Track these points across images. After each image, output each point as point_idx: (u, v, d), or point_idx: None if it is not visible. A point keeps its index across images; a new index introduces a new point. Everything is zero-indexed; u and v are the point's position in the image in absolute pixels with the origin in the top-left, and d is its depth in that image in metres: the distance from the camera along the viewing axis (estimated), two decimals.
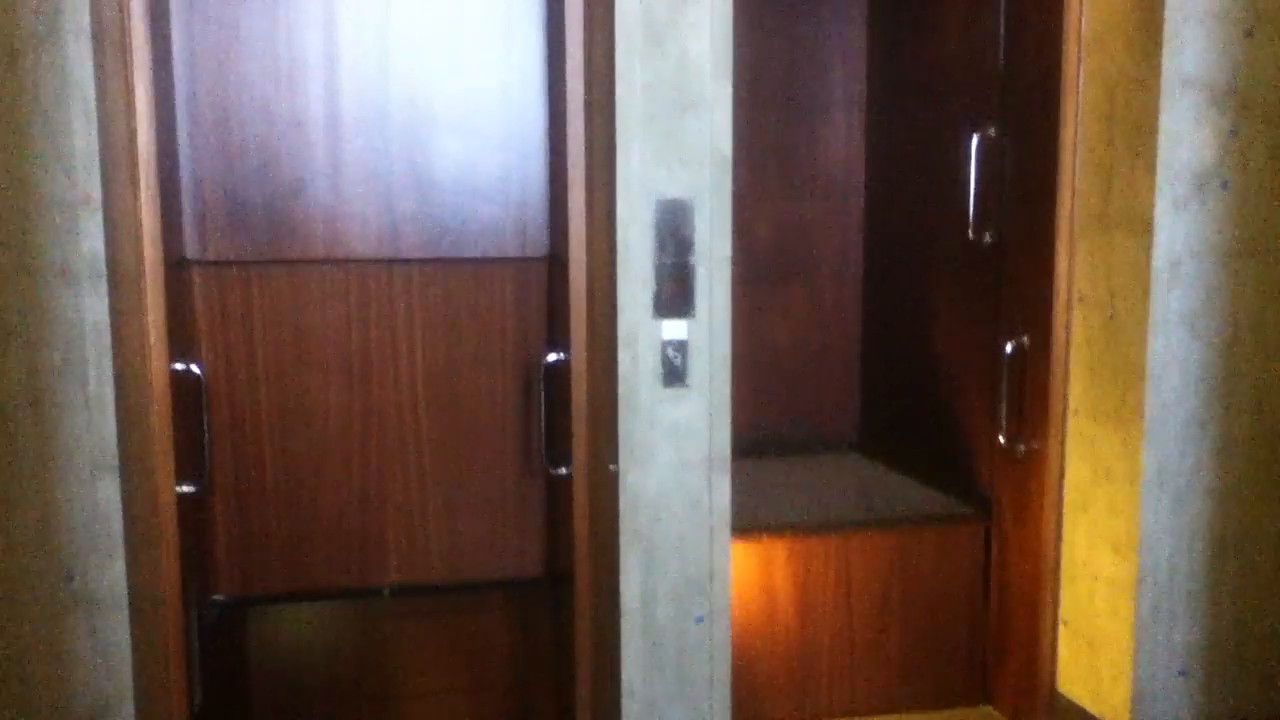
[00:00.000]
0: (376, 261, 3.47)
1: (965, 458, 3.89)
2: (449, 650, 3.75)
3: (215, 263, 3.38)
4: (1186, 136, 3.00)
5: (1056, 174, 3.28)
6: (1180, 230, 3.03)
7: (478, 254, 3.53)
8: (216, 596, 3.48)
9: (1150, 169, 3.01)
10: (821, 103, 4.50)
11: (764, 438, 4.51)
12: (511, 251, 3.55)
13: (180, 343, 3.00)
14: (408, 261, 3.50)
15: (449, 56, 3.46)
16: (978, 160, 3.61)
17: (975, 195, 3.62)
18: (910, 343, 4.26)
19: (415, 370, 3.56)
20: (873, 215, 4.54)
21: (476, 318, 3.56)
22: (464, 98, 3.48)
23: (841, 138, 4.53)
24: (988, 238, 3.63)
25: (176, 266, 3.13)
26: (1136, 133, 3.05)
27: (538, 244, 3.53)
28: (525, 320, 3.56)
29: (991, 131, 3.59)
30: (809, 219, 4.53)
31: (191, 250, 3.35)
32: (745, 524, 3.44)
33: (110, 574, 2.62)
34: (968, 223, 3.66)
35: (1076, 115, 3.23)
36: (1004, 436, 3.51)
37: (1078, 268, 3.28)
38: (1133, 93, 3.05)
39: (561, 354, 3.19)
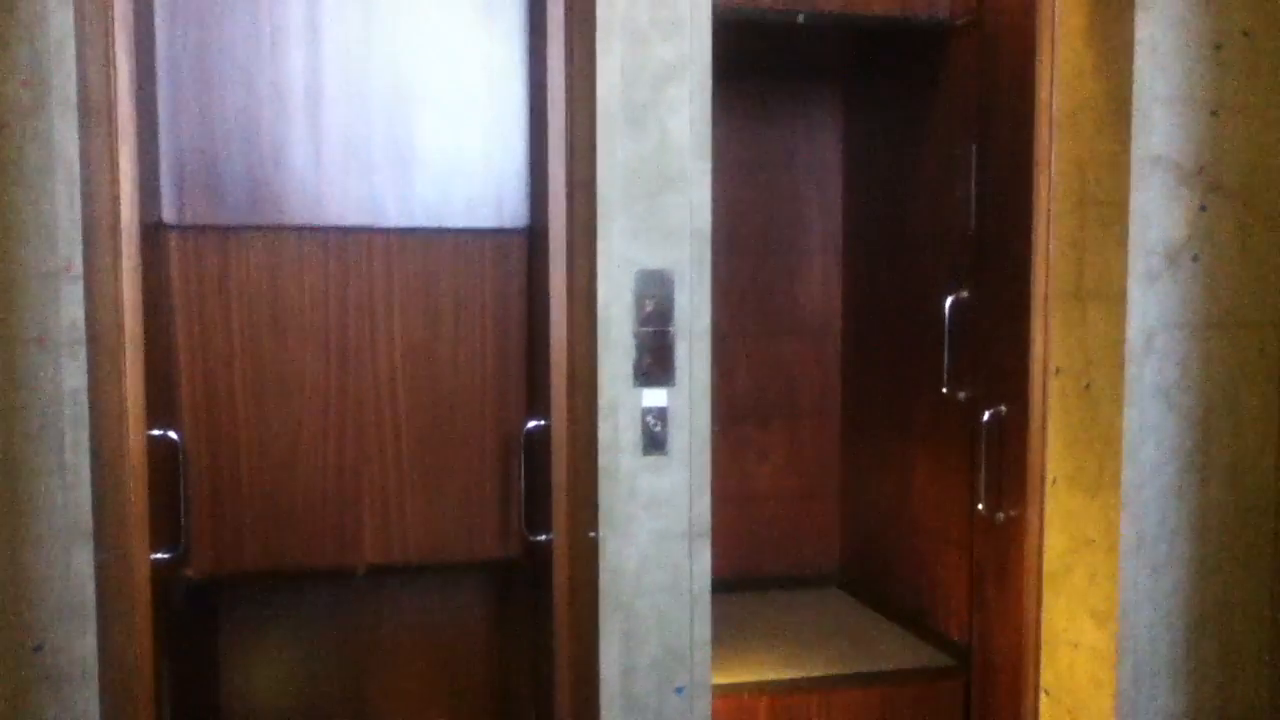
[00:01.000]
0: None
1: (943, 614, 3.90)
2: (425, 632, 3.86)
3: (193, 227, 3.37)
4: (1156, 212, 3.05)
5: (1030, 247, 3.34)
6: (1153, 303, 3.07)
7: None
8: (188, 573, 3.41)
9: (1122, 243, 3.06)
10: (800, 247, 4.61)
11: (744, 576, 4.57)
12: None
13: (158, 409, 2.99)
14: None
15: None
16: (950, 320, 3.68)
17: (949, 352, 3.70)
18: (888, 488, 4.32)
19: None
20: (850, 356, 4.62)
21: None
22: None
23: (818, 279, 4.63)
24: (961, 395, 3.69)
25: (154, 230, 3.14)
26: (1108, 209, 3.11)
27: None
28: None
29: (965, 294, 3.68)
30: (788, 358, 4.61)
31: (169, 215, 3.35)
32: (726, 682, 3.47)
33: (82, 645, 2.58)
34: (942, 378, 3.73)
35: (1049, 191, 3.29)
36: (983, 505, 3.52)
37: (1053, 339, 3.32)
38: (1104, 171, 3.11)
39: (542, 420, 3.20)
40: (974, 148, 3.65)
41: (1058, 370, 3.31)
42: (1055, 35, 3.26)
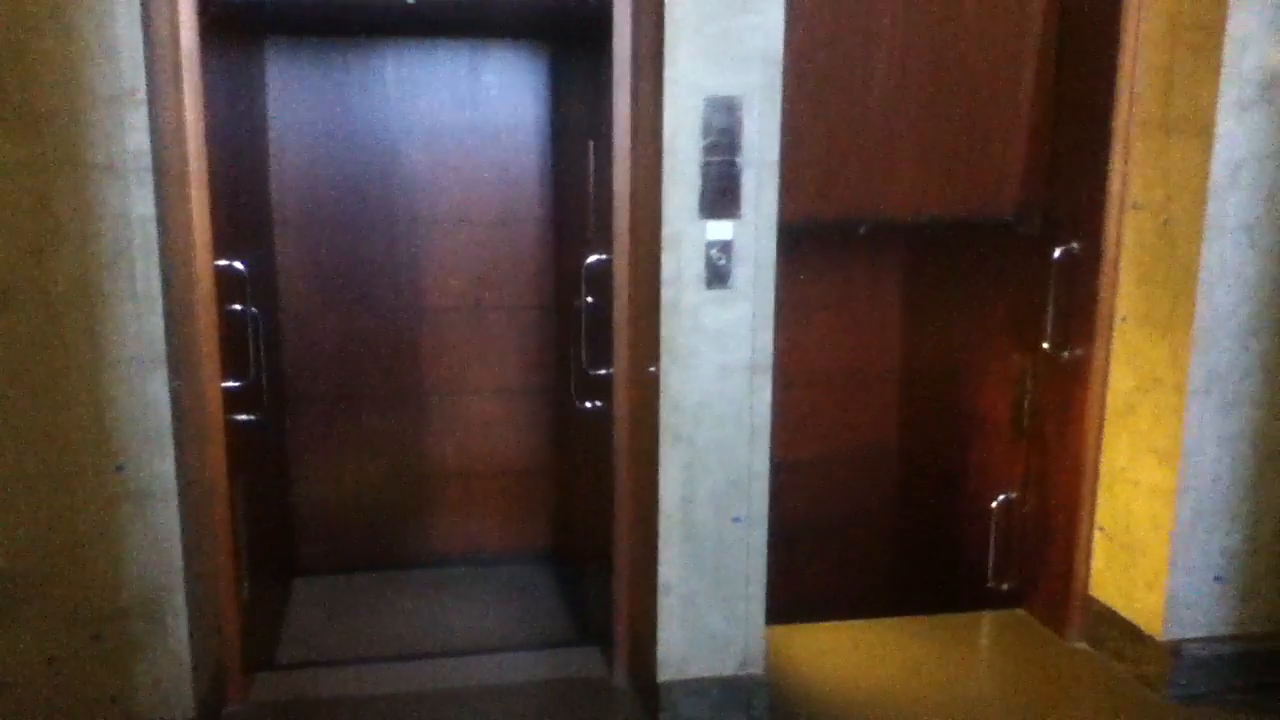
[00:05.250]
0: None
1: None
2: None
3: None
4: (1254, 37, 2.89)
5: (1115, 72, 3.18)
6: (1243, 134, 2.94)
7: None
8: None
9: (1214, 71, 2.91)
10: None
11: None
12: None
13: (225, 240, 3.00)
14: None
15: None
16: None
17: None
18: None
19: None
20: None
21: None
22: None
23: None
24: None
25: None
26: (1201, 33, 2.94)
27: None
28: None
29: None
30: None
31: None
32: None
33: (161, 465, 2.67)
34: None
35: (1139, 14, 3.12)
36: (1049, 342, 3.48)
37: (1133, 173, 3.20)
38: None
39: (603, 255, 3.17)
40: None
41: (1135, 205, 3.21)
42: None
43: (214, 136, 2.88)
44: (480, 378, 4.28)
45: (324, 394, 4.19)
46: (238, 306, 3.12)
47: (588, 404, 3.34)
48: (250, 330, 3.19)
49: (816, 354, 4.47)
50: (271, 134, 3.97)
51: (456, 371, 4.26)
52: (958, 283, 4.18)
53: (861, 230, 3.70)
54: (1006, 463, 3.84)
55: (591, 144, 3.30)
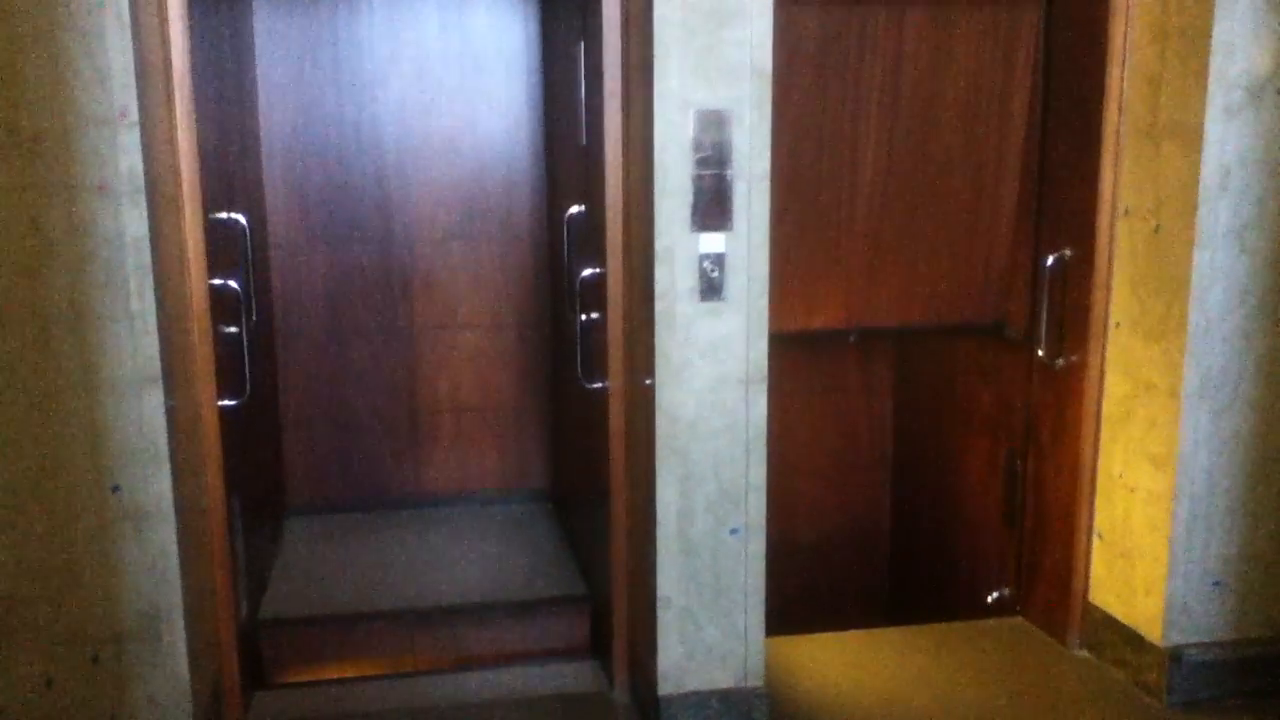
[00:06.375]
0: None
1: None
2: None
3: None
4: (1241, 43, 2.90)
5: (1104, 86, 3.20)
6: (1232, 139, 2.95)
7: None
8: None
9: (1202, 76, 2.92)
10: None
11: None
12: None
13: (217, 258, 3.01)
14: None
15: None
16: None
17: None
18: None
19: None
20: None
21: None
22: None
23: None
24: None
25: None
26: (1189, 40, 2.96)
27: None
28: None
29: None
30: None
31: None
32: None
33: (157, 485, 2.67)
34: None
35: (1127, 20, 3.14)
36: (1043, 350, 3.48)
37: (1123, 179, 3.22)
38: (1186, 1, 2.95)
39: (597, 268, 3.18)
40: None
41: (1126, 211, 3.22)
42: None
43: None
44: (473, 312, 4.28)
45: (314, 329, 4.22)
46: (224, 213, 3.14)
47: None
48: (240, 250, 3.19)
49: (811, 441, 4.65)
50: (259, 66, 4.01)
51: (450, 305, 4.26)
52: (946, 379, 4.29)
53: (851, 338, 3.89)
54: (997, 556, 3.88)
55: (582, 44, 3.30)
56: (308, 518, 4.27)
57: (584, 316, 3.31)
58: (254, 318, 3.34)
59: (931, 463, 4.39)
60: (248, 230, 3.25)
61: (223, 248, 3.10)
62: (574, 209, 3.37)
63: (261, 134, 4.09)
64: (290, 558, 3.88)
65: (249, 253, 3.28)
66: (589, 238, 3.32)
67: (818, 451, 4.65)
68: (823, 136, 3.46)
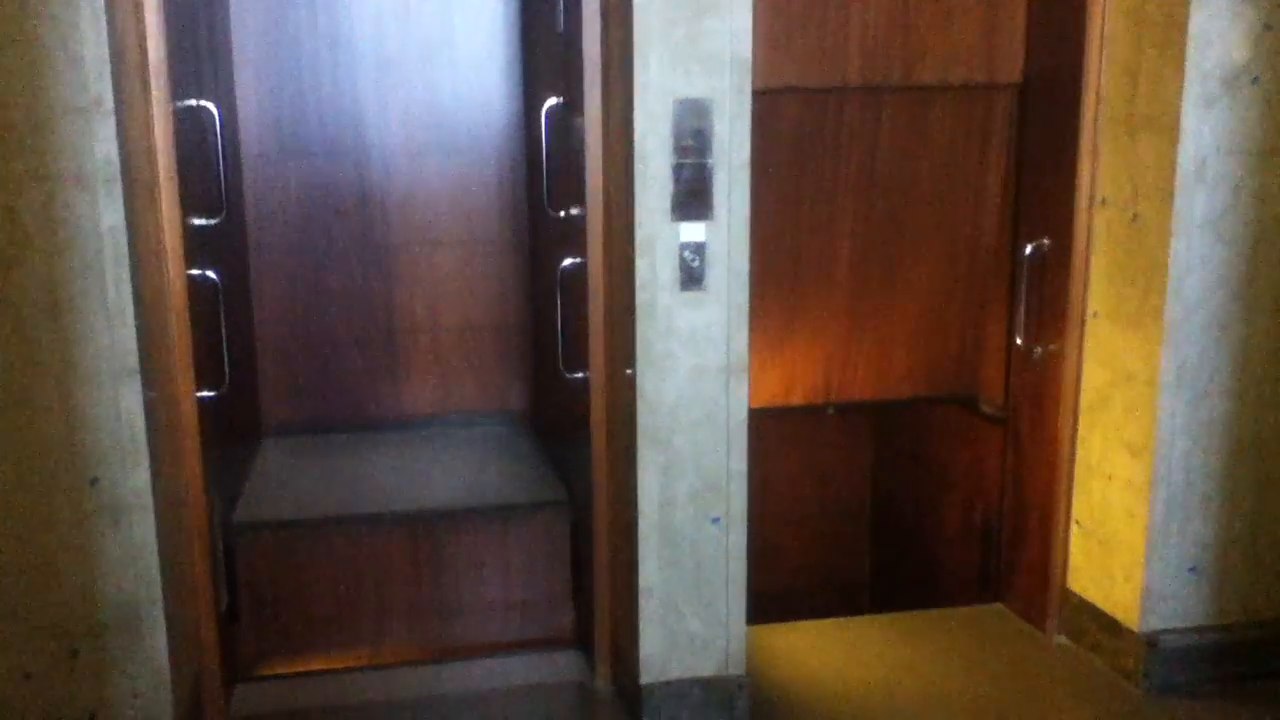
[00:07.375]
0: None
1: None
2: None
3: None
4: (1217, 33, 2.92)
5: (1081, 76, 3.22)
6: (1208, 129, 2.97)
7: None
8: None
9: (1178, 66, 2.94)
10: None
11: None
12: None
13: (196, 249, 2.98)
14: None
15: None
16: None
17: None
18: None
19: None
20: None
21: None
22: None
23: None
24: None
25: None
26: (1165, 30, 2.97)
27: None
28: None
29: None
30: None
31: None
32: None
33: (135, 478, 2.65)
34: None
35: (1104, 10, 3.16)
36: (1021, 339, 3.50)
37: (1101, 169, 3.24)
38: None
39: (578, 258, 3.17)
40: None
41: (1104, 201, 3.24)
42: None
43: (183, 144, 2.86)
44: (451, 228, 4.21)
45: (286, 246, 4.11)
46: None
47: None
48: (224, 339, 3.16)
49: (790, 497, 4.73)
50: None
51: (429, 220, 4.18)
52: (922, 443, 4.37)
53: (830, 411, 3.97)
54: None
55: None
56: (284, 438, 4.16)
57: (564, 304, 3.30)
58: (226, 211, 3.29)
59: (910, 525, 4.52)
60: (218, 119, 3.15)
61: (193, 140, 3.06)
62: (552, 100, 3.29)
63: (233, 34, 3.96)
64: (267, 470, 3.79)
65: (220, 147, 3.17)
66: (569, 235, 3.31)
67: (797, 505, 4.77)
68: (800, 217, 3.59)
